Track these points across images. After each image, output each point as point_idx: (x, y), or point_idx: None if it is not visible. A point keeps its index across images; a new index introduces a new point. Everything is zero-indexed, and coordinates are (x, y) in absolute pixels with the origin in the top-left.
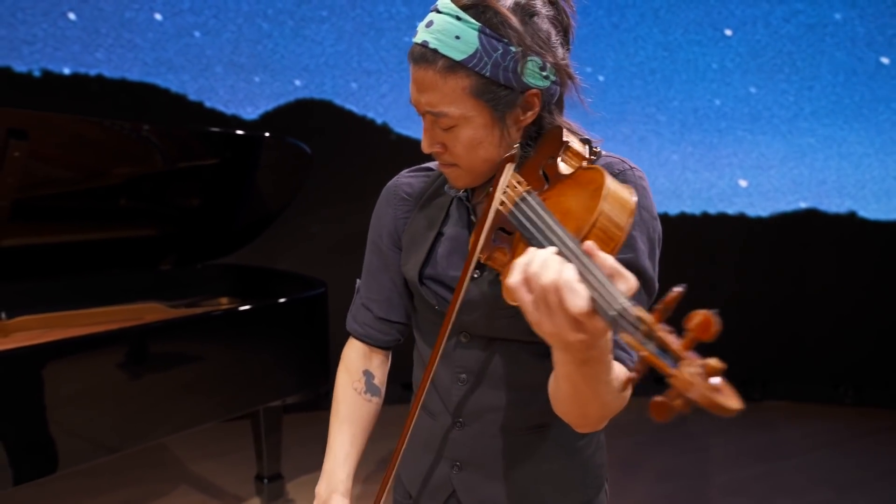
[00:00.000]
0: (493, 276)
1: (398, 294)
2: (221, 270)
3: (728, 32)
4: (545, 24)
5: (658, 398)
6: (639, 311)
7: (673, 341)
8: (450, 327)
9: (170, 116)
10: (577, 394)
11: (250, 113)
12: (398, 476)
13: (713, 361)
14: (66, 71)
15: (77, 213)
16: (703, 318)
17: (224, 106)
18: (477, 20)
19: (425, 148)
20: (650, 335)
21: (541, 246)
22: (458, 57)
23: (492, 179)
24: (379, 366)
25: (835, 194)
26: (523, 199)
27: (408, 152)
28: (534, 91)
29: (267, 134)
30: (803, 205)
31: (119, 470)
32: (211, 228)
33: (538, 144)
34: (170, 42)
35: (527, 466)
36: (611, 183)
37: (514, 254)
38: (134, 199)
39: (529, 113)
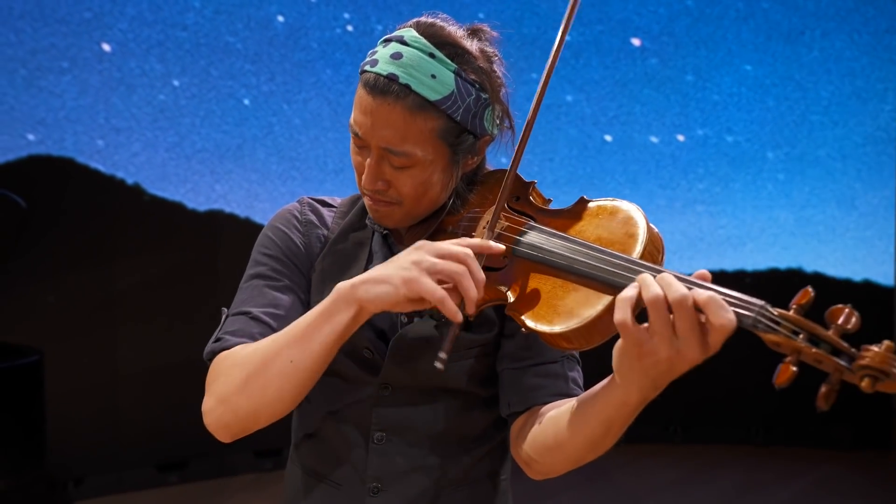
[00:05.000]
0: (435, 321)
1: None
2: None
3: None
4: (500, 71)
5: (824, 389)
6: (779, 310)
7: (825, 332)
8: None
9: None
10: (606, 435)
11: None
12: None
13: (888, 342)
14: None
15: None
16: (844, 310)
17: None
18: (452, 61)
19: (367, 184)
20: (797, 329)
21: (588, 275)
22: (433, 97)
23: (428, 220)
24: None
25: None
26: (535, 231)
27: (163, 214)
28: (487, 138)
29: None
30: None
31: None
32: None
33: (482, 186)
34: None
35: None
36: (643, 213)
37: (524, 287)
38: None
39: (476, 158)
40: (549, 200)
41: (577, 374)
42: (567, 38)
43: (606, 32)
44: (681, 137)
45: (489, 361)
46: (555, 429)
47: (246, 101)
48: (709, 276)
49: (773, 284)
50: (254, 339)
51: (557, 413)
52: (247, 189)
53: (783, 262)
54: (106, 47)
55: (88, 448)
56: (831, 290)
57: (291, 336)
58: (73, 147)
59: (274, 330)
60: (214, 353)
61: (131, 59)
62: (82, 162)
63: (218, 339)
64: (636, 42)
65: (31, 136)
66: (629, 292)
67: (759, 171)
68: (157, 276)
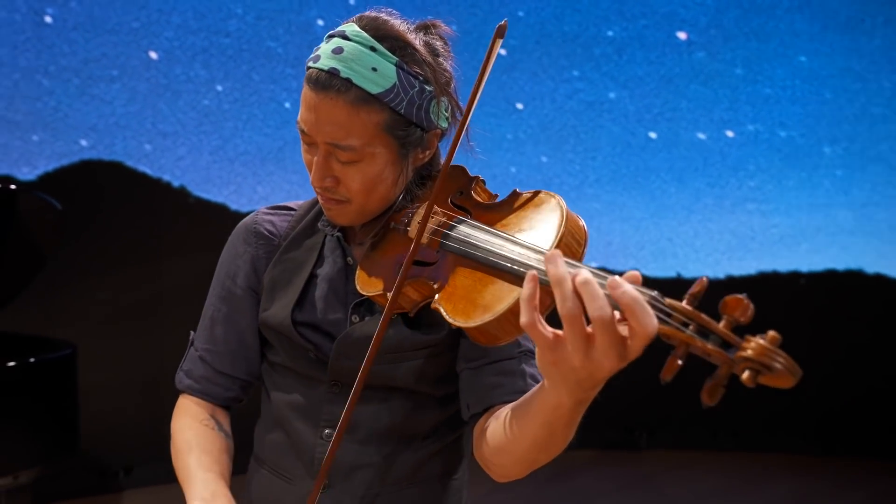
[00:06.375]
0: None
1: (244, 346)
2: None
3: (519, 106)
4: (448, 65)
5: (710, 383)
6: (670, 300)
7: (714, 323)
8: (359, 379)
9: None
10: (551, 438)
11: (27, 173)
12: None
13: (773, 333)
14: None
15: None
16: (738, 301)
17: None
18: (393, 54)
19: (316, 181)
20: (687, 321)
21: (502, 268)
22: (375, 90)
23: (380, 218)
24: (224, 418)
25: (619, 255)
26: (463, 226)
27: (208, 216)
28: (436, 131)
29: (13, 186)
30: (593, 264)
31: None
32: None
33: (434, 180)
34: None
35: None
36: (565, 204)
37: (450, 281)
38: None
39: (428, 152)
40: (495, 196)
41: (535, 370)
42: (609, 33)
43: (651, 26)
44: (730, 133)
45: (443, 361)
46: (503, 431)
47: (287, 105)
48: (639, 277)
49: (830, 286)
50: (198, 382)
51: (507, 415)
52: (288, 191)
53: (842, 263)
54: (153, 55)
55: (137, 438)
56: (894, 292)
57: (183, 482)
58: (123, 151)
59: (210, 368)
60: (179, 389)
61: (177, 66)
62: (131, 165)
63: (178, 373)
64: (682, 35)
65: (83, 142)
66: (529, 291)
67: (815, 167)
68: (201, 275)
